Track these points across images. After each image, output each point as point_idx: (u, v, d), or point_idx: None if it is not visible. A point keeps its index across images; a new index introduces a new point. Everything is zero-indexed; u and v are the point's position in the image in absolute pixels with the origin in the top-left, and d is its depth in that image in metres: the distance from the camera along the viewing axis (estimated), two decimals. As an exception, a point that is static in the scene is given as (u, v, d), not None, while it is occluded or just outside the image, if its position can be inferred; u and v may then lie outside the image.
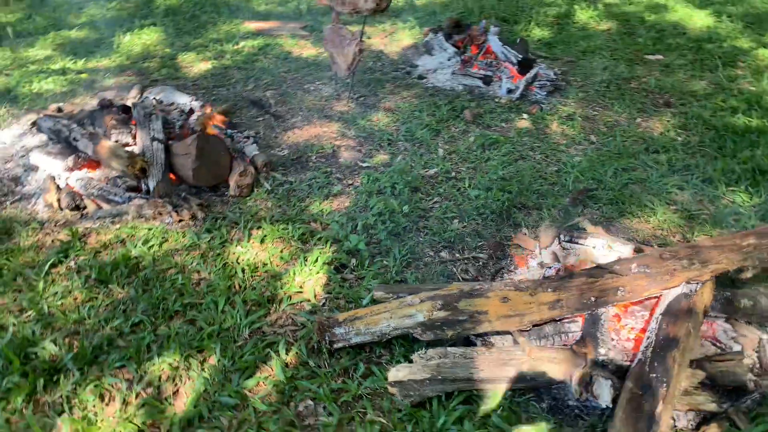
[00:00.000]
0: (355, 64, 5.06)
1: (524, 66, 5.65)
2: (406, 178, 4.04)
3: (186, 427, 2.38)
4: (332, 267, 3.24)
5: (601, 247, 3.27)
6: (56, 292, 3.00)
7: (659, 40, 6.86)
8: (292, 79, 5.92)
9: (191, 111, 4.74)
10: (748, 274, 2.66)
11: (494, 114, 5.15)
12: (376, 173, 4.16)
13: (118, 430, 2.33)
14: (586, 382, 2.36)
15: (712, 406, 2.40)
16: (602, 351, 2.46)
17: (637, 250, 3.26)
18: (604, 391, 2.33)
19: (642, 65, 6.26)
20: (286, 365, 2.66)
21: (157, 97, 4.90)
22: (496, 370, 2.48)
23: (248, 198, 3.90)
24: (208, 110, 4.80)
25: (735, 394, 2.56)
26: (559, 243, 3.37)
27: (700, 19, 7.41)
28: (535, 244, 3.44)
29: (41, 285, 3.04)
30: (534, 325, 2.66)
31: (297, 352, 2.71)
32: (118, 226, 3.56)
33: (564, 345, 2.63)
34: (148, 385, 2.55)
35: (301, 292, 3.10)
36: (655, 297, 2.68)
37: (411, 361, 2.53)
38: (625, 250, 3.21)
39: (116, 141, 4.04)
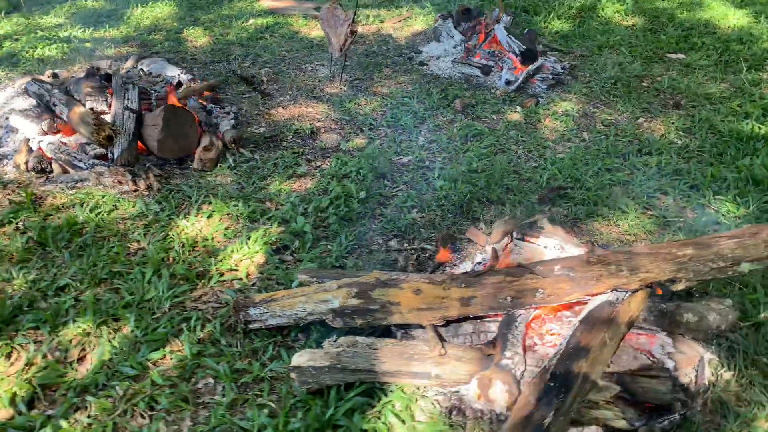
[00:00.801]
0: (347, 45, 4.97)
1: (528, 57, 5.45)
2: (374, 164, 3.93)
3: (81, 393, 2.37)
4: (273, 247, 3.18)
5: (553, 247, 3.11)
6: (-6, 251, 3.04)
7: (685, 38, 6.51)
8: (291, 58, 5.87)
9: (179, 84, 4.74)
10: (680, 286, 2.46)
11: (486, 105, 4.98)
12: (347, 157, 4.07)
13: (14, 390, 2.33)
14: (485, 386, 2.23)
15: (621, 423, 2.24)
16: (508, 354, 2.32)
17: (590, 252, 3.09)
18: (499, 397, 2.20)
19: (660, 63, 5.95)
20: (198, 341, 2.63)
21: (147, 69, 4.93)
22: (400, 364, 2.38)
23: (210, 173, 3.88)
24: (195, 84, 4.79)
25: (658, 412, 2.39)
26: (511, 240, 3.22)
27: (734, 19, 6.99)
28: (487, 239, 3.30)
29: (-18, 242, 3.09)
30: (449, 321, 2.55)
31: (211, 330, 2.67)
32: (74, 191, 3.58)
33: (479, 345, 2.50)
34: (56, 348, 2.56)
35: (235, 270, 3.06)
36: (584, 302, 2.51)
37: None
38: (578, 251, 3.04)
39: (91, 108, 4.07)
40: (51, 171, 3.82)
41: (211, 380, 2.47)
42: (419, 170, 4.04)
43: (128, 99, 4.04)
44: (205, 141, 3.97)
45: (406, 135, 4.50)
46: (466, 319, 2.60)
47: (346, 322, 2.53)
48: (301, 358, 2.42)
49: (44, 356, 2.52)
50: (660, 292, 2.46)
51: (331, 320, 2.56)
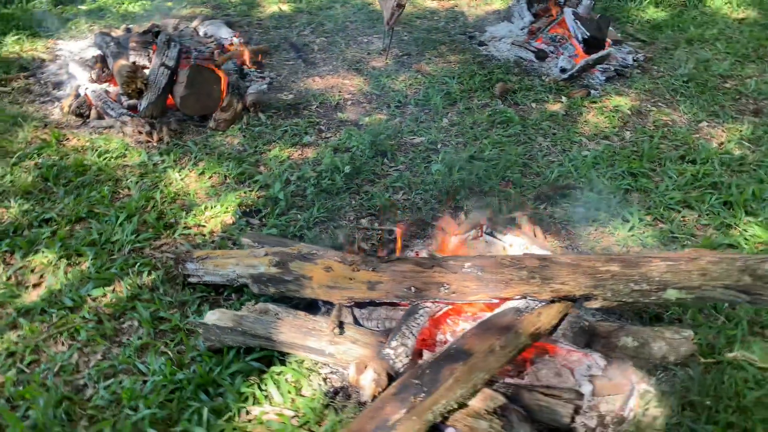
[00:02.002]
0: (394, 19, 4.91)
1: (592, 45, 5.06)
2: (376, 140, 3.90)
3: (23, 315, 2.63)
4: (243, 210, 3.29)
5: (517, 246, 2.94)
6: (8, 180, 3.41)
7: (800, 38, 5.70)
8: (353, 29, 5.90)
9: (224, 46, 4.96)
10: (595, 304, 2.23)
11: (530, 92, 4.72)
12: (358, 131, 4.06)
13: (-28, 303, 2.65)
14: (360, 371, 2.19)
15: None
16: (394, 344, 2.25)
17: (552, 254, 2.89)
18: (366, 385, 2.15)
19: (758, 64, 5.28)
20: (139, 286, 2.80)
21: (204, 30, 5.19)
22: (296, 337, 2.40)
23: (222, 132, 4.05)
24: (241, 47, 4.98)
25: (556, 436, 2.22)
26: (482, 234, 3.09)
27: None
28: (457, 229, 3.18)
29: (1, 171, 3.47)
30: (364, 303, 2.51)
31: (155, 278, 2.83)
32: (97, 136, 3.91)
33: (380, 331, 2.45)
34: (20, 272, 2.84)
35: (202, 226, 3.20)
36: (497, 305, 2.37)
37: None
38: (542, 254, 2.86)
39: (134, 62, 4.38)
40: (88, 116, 4.18)
41: (136, 323, 2.63)
42: (426, 152, 3.94)
43: (167, 56, 4.29)
44: (225, 102, 4.13)
45: (431, 115, 4.39)
46: (381, 304, 2.54)
47: (261, 289, 2.57)
48: (211, 316, 2.51)
49: (8, 278, 2.81)
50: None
51: (251, 285, 2.62)
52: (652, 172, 3.79)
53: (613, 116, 4.42)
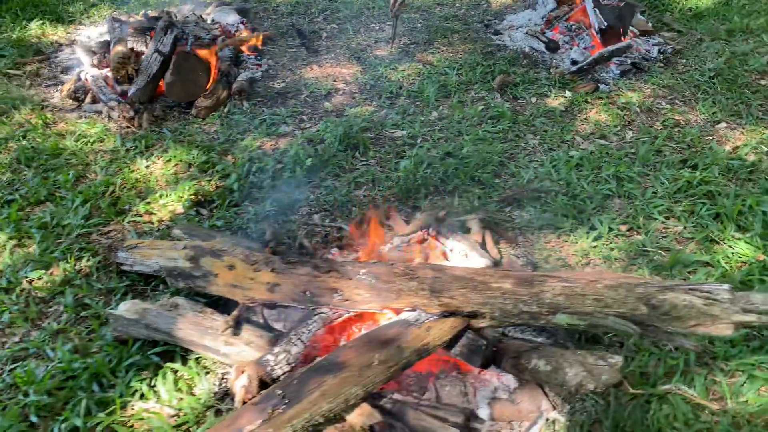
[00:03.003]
0: (397, 6, 4.75)
1: (611, 36, 4.71)
2: (351, 132, 3.79)
3: (-38, 293, 2.73)
4: (195, 200, 3.28)
5: (457, 252, 2.79)
6: (-13, 162, 3.57)
7: None
8: (366, 16, 5.78)
9: (227, 32, 4.97)
10: (483, 323, 2.05)
11: (533, 86, 4.46)
12: (335, 122, 3.97)
13: None
14: (237, 376, 2.13)
15: None
16: (276, 350, 2.17)
17: (496, 264, 2.73)
18: (238, 391, 2.08)
19: (805, 59, 4.75)
20: (77, 271, 2.85)
21: (211, 16, 5.22)
22: (193, 334, 2.37)
23: (202, 120, 4.06)
24: (247, 34, 4.98)
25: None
26: (427, 235, 2.95)
27: None
28: (406, 229, 3.05)
29: (-17, 153, 3.64)
30: (268, 304, 2.44)
31: (91, 264, 2.88)
32: (83, 119, 4.02)
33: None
34: (-28, 251, 2.96)
35: (153, 214, 3.22)
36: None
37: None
38: (481, 262, 2.70)
39: (131, 48, 4.46)
40: (83, 100, 4.31)
41: (61, 308, 2.68)
42: (403, 147, 3.80)
43: (162, 43, 4.35)
44: (210, 89, 4.14)
45: (420, 108, 4.23)
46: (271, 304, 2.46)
47: (173, 282, 2.56)
48: (122, 307, 2.52)
49: (-38, 256, 2.93)
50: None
51: (166, 278, 2.60)
52: (643, 177, 3.48)
53: (618, 114, 4.10)
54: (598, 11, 4.76)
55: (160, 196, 3.30)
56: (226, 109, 4.09)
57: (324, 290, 2.21)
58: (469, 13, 5.83)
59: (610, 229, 3.07)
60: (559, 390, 2.23)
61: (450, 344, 2.18)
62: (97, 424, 2.15)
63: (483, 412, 2.19)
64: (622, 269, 2.81)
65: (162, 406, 2.20)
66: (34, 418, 2.17)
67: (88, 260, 2.90)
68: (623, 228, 3.12)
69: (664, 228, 3.14)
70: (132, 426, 2.16)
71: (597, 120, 4.06)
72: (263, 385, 2.08)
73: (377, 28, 5.48)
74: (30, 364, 2.36)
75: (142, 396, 2.25)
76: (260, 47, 4.93)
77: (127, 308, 2.49)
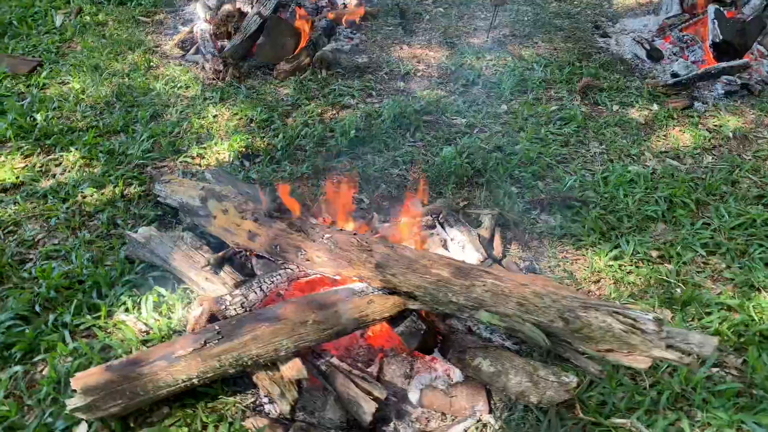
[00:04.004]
0: (497, -4, 4.68)
1: (725, 52, 4.29)
2: (406, 112, 3.84)
3: (29, 195, 3.19)
4: (246, 152, 3.53)
5: (457, 242, 2.79)
6: (91, 92, 4.07)
7: None
8: (476, 4, 5.72)
9: (343, 5, 5.19)
10: (415, 306, 2.02)
11: (619, 93, 4.20)
12: (399, 102, 4.03)
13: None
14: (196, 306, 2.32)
15: (284, 405, 2.11)
16: (237, 292, 2.31)
17: (495, 261, 2.70)
18: (191, 320, 2.27)
19: None
20: (123, 196, 3.22)
21: (322, -14, 5.46)
22: (183, 266, 2.59)
23: (279, 82, 4.31)
24: (351, 8, 5.17)
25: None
26: (437, 222, 2.97)
27: None
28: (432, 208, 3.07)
29: (91, 84, 4.16)
30: (259, 254, 2.60)
31: (135, 191, 3.23)
32: (181, 67, 4.44)
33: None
34: (50, 163, 3.44)
35: (203, 157, 3.52)
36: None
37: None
38: (473, 256, 2.68)
39: (239, 8, 4.83)
40: (188, 50, 4.74)
41: (98, 223, 3.04)
42: (456, 134, 3.78)
43: (264, 6, 4.67)
44: (294, 55, 4.38)
45: (491, 99, 4.16)
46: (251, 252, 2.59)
47: (181, 219, 2.80)
48: (140, 231, 2.82)
49: (40, 165, 3.41)
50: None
51: (180, 211, 2.86)
52: (701, 206, 3.18)
53: (704, 136, 3.74)
54: (717, 23, 4.32)
55: (215, 143, 3.57)
56: (303, 75, 4.29)
57: (291, 247, 2.32)
58: (584, 11, 5.54)
59: (637, 252, 2.85)
60: (499, 392, 2.17)
61: (395, 322, 2.19)
62: (82, 323, 2.43)
63: (413, 396, 2.19)
64: (630, 296, 2.62)
65: (137, 321, 2.44)
66: (37, 308, 2.50)
67: (135, 188, 3.24)
68: (654, 254, 2.89)
69: (702, 262, 2.86)
70: (109, 332, 2.42)
71: (676, 138, 3.73)
72: (214, 319, 2.24)
73: (482, 16, 5.40)
74: (52, 264, 2.71)
75: (126, 309, 2.50)
76: (358, 22, 5.07)
77: (141, 233, 2.77)
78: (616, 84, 4.25)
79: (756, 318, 2.52)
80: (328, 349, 2.27)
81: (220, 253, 2.56)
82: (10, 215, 3.03)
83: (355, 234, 2.23)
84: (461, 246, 2.73)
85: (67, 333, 2.40)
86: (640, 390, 2.22)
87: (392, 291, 2.07)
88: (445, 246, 2.80)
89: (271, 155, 3.49)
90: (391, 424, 2.15)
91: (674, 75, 4.23)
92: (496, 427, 2.11)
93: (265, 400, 2.20)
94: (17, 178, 3.29)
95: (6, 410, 2.10)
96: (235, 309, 2.28)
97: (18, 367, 2.26)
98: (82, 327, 2.44)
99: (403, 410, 2.19)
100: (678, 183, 3.29)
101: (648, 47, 4.41)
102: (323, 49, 4.54)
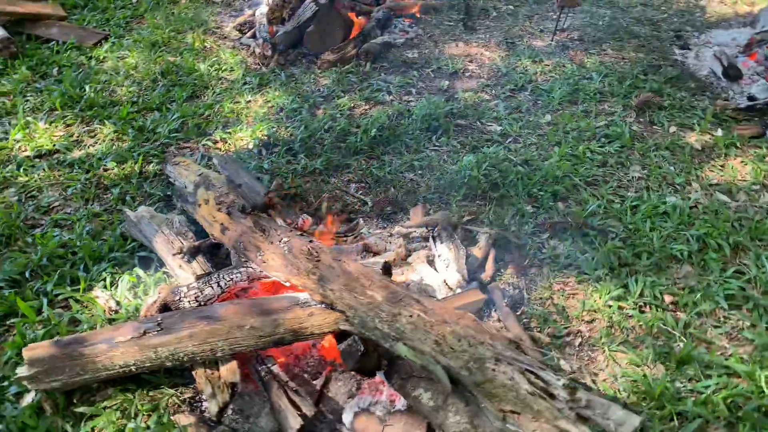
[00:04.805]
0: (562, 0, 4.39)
1: (817, 76, 3.78)
2: (436, 115, 3.69)
3: (57, 163, 3.38)
4: (266, 141, 3.54)
5: (443, 260, 2.65)
6: (141, 68, 4.24)
7: None
8: (550, 4, 5.39)
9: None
10: (345, 327, 1.90)
11: (682, 113, 3.81)
12: (434, 102, 3.88)
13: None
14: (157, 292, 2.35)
15: (212, 405, 2.09)
16: (196, 285, 2.32)
17: (481, 285, 2.55)
18: (143, 306, 2.30)
19: None
20: (140, 172, 3.33)
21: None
22: (162, 250, 2.64)
23: (321, 72, 4.28)
24: (404, 1, 5.04)
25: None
26: (431, 235, 2.84)
27: None
28: (428, 220, 2.96)
29: (143, 61, 4.33)
30: (215, 242, 2.59)
31: (152, 168, 3.33)
32: (232, 50, 4.52)
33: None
34: (84, 134, 3.62)
35: (226, 142, 3.57)
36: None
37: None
38: (454, 277, 2.55)
39: (298, -6, 4.83)
40: (245, 33, 4.82)
41: (111, 197, 3.16)
42: (485, 142, 3.59)
43: (322, -6, 4.64)
44: (340, 45, 4.33)
45: (537, 108, 3.91)
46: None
47: (172, 202, 2.85)
48: (139, 210, 2.90)
49: (75, 136, 3.60)
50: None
51: (173, 195, 2.91)
52: (739, 251, 2.82)
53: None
54: (813, 43, 3.79)
55: (240, 129, 3.60)
56: (345, 67, 4.23)
57: (252, 246, 2.28)
58: (670, 19, 5.07)
59: (644, 295, 2.57)
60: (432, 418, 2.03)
61: (341, 338, 2.10)
62: (60, 294, 2.53)
63: (346, 418, 2.09)
64: (621, 343, 2.36)
65: (110, 299, 2.50)
66: (27, 274, 2.63)
67: (153, 166, 3.34)
68: (668, 299, 2.59)
69: (723, 316, 2.53)
70: (85, 305, 2.50)
71: (734, 171, 3.33)
72: (166, 309, 2.24)
73: (554, 17, 5.07)
74: (53, 232, 2.84)
75: (105, 286, 2.58)
76: (418, 15, 4.92)
77: (137, 212, 2.84)
78: (680, 103, 3.85)
79: (766, 390, 2.18)
80: (273, 356, 2.21)
81: (196, 243, 2.56)
82: (35, 180, 3.20)
83: (311, 241, 2.15)
84: (446, 264, 2.58)
85: (45, 301, 2.49)
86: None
87: (331, 306, 1.97)
88: (431, 262, 2.66)
89: (289, 146, 3.46)
90: (320, 444, 2.07)
91: (751, 98, 3.77)
92: (427, 465, 1.97)
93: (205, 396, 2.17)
94: (53, 145, 3.47)
95: (-33, 369, 2.21)
96: (189, 302, 2.28)
97: (-8, 329, 2.38)
98: (60, 297, 2.53)
99: (337, 430, 2.10)
100: (719, 221, 2.92)
101: (725, 64, 3.95)
102: (372, 41, 4.45)
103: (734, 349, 2.36)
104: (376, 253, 2.66)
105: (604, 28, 4.86)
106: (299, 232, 2.22)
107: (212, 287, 2.30)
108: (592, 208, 3.02)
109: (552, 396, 1.41)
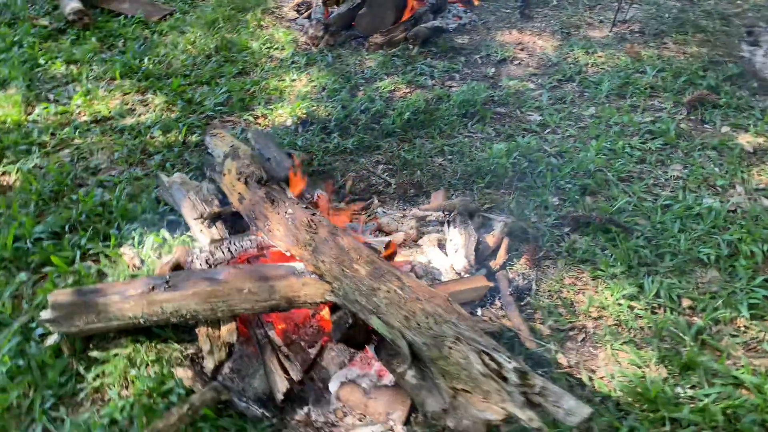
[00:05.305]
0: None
1: None
2: (472, 101, 3.67)
3: (112, 129, 3.62)
4: (304, 118, 3.65)
5: (453, 245, 2.67)
6: (197, 44, 4.44)
7: None
8: (617, -6, 5.19)
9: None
10: (331, 298, 1.95)
11: (738, 113, 3.62)
12: (475, 89, 3.86)
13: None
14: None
15: (211, 364, 2.22)
16: (205, 248, 2.45)
17: (489, 274, 2.56)
18: (158, 264, 2.44)
19: None
20: (182, 142, 3.51)
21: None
22: (188, 215, 2.78)
23: (368, 54, 4.33)
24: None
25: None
26: (446, 220, 2.87)
27: None
28: (437, 205, 2.98)
29: (202, 37, 4.53)
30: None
31: (196, 140, 3.50)
32: (286, 30, 4.65)
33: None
34: (139, 103, 3.84)
35: (267, 117, 3.70)
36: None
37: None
38: (460, 263, 2.57)
39: (356, -24, 4.89)
40: (302, 13, 4.94)
41: (153, 163, 3.35)
42: (521, 131, 3.54)
43: (377, -24, 4.68)
44: (391, 29, 4.37)
45: (582, 100, 3.81)
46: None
47: (206, 170, 2.99)
48: (173, 176, 3.07)
49: (131, 104, 3.83)
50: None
51: (204, 164, 3.06)
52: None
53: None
54: None
55: (281, 106, 3.72)
56: (392, 50, 4.26)
57: (260, 215, 2.37)
58: (744, 14, 4.77)
59: (660, 296, 2.49)
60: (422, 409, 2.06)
61: (334, 310, 2.17)
62: (92, 248, 2.72)
63: (332, 387, 2.16)
64: (625, 343, 2.30)
65: (134, 257, 2.67)
66: (67, 228, 2.85)
67: (195, 136, 3.50)
68: (685, 303, 2.50)
69: (743, 326, 2.41)
70: (113, 261, 2.69)
71: (789, 178, 3.13)
72: (178, 268, 2.38)
73: (616, 7, 4.89)
74: (95, 191, 3.05)
75: (132, 244, 2.75)
76: (476, 2, 4.87)
77: (172, 177, 3.00)
78: (737, 102, 3.64)
79: (759, 402, 2.08)
80: (273, 322, 2.31)
81: (217, 210, 2.69)
82: (88, 144, 3.44)
83: (314, 214, 2.22)
84: (455, 249, 2.59)
85: (78, 254, 2.69)
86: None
87: (321, 277, 2.03)
88: (442, 246, 2.67)
89: (325, 125, 3.54)
90: (307, 408, 2.15)
91: (817, 100, 3.51)
92: (402, 438, 2.02)
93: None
94: (109, 112, 3.71)
95: (2, 309, 2.43)
96: (200, 264, 2.40)
97: (29, 275, 2.60)
98: (92, 252, 2.72)
99: (325, 399, 2.17)
100: (758, 227, 2.77)
101: (793, 63, 3.70)
102: (421, 25, 4.45)
103: (748, 360, 2.25)
104: (387, 233, 2.70)
105: (669, 20, 4.65)
106: (308, 207, 2.28)
107: (223, 252, 2.41)
108: (621, 204, 2.93)
109: (504, 379, 1.41)
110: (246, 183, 2.54)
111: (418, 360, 1.62)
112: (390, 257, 2.36)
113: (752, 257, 2.65)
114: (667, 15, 4.76)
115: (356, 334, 2.11)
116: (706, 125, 3.54)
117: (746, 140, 3.37)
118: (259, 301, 2.14)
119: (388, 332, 1.68)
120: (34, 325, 2.39)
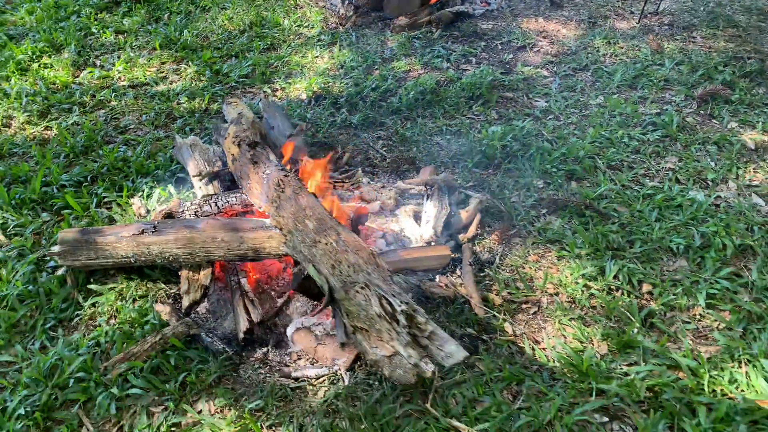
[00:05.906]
0: (650, -23, 4.21)
1: None
2: (479, 84, 3.78)
3: (145, 95, 3.97)
4: (318, 93, 3.87)
5: (426, 216, 2.84)
6: (234, 19, 4.73)
7: None
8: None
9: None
10: (283, 249, 2.16)
11: (750, 110, 3.58)
12: (486, 73, 3.97)
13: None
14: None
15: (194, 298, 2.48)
16: (194, 201, 2.71)
17: (458, 246, 2.73)
18: (153, 213, 2.72)
19: None
20: (205, 110, 3.81)
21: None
22: (192, 170, 3.07)
23: (392, 35, 4.50)
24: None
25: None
26: (426, 193, 3.03)
27: None
28: (424, 179, 3.14)
29: (231, 15, 4.82)
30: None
31: (217, 108, 3.79)
32: (317, 8, 4.88)
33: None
34: (170, 71, 4.18)
35: (285, 90, 3.95)
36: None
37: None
38: (428, 233, 2.74)
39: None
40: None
41: (174, 126, 3.67)
42: (523, 115, 3.64)
43: (410, -41, 4.83)
44: (416, 12, 4.52)
45: (592, 89, 3.86)
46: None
47: (213, 133, 3.26)
48: (188, 138, 3.37)
49: (162, 72, 4.16)
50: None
51: (211, 128, 3.34)
52: (743, 254, 2.70)
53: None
54: None
55: (299, 80, 3.95)
56: (414, 33, 4.40)
57: (245, 175, 2.61)
58: (786, 10, 4.62)
59: (619, 279, 2.57)
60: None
61: (296, 262, 2.39)
62: (107, 197, 3.05)
63: (289, 330, 2.38)
64: (572, 319, 2.41)
65: (141, 207, 2.98)
66: (89, 178, 3.19)
67: (217, 104, 3.79)
68: (645, 288, 2.57)
69: (698, 313, 2.47)
70: (124, 208, 3.00)
71: (787, 176, 3.10)
72: (170, 217, 2.66)
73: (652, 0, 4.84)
74: (119, 148, 3.38)
75: (142, 196, 3.06)
76: (506, -12, 4.93)
77: (186, 139, 3.29)
78: (751, 98, 3.59)
79: (707, 390, 2.15)
80: (247, 270, 2.55)
81: (215, 169, 2.95)
82: (122, 106, 3.79)
83: (286, 175, 2.43)
84: (426, 221, 2.75)
85: (94, 201, 3.02)
86: (503, 405, 2.11)
87: (280, 230, 2.25)
88: (417, 217, 2.84)
89: (336, 100, 3.75)
90: (266, 349, 2.38)
91: (836, 101, 3.42)
92: (346, 383, 2.22)
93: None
94: (145, 78, 4.04)
95: (23, 242, 2.79)
96: (189, 214, 2.67)
97: (51, 216, 2.95)
98: (106, 200, 3.05)
99: (284, 343, 2.40)
100: (738, 223, 2.79)
101: (815, 61, 3.60)
102: (446, 9, 4.56)
103: (694, 346, 2.31)
104: (368, 202, 2.88)
105: (702, 14, 4.56)
106: (284, 169, 2.49)
107: (210, 206, 2.67)
108: (602, 190, 3.00)
109: (397, 321, 1.59)
110: (239, 146, 2.78)
111: (335, 302, 1.81)
112: (359, 221, 2.55)
113: (723, 250, 2.67)
114: (701, 8, 4.66)
115: (311, 285, 2.32)
116: (713, 120, 3.51)
117: (751, 137, 3.33)
118: (230, 250, 2.38)
119: (318, 278, 1.88)
120: (47, 258, 2.73)
